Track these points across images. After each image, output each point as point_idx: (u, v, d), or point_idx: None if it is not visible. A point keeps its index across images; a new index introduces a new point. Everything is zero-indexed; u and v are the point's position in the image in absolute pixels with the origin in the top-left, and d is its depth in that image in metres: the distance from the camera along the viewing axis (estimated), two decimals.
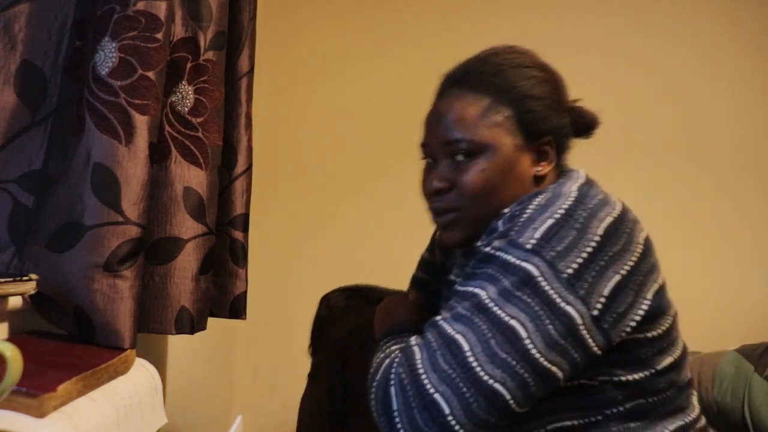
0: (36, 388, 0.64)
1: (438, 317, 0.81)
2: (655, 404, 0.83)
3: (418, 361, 0.77)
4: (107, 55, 0.85)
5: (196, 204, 0.99)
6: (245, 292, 1.17)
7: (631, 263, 0.80)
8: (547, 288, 0.76)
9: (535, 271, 0.76)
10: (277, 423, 1.99)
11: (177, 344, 1.40)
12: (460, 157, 0.89)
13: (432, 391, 0.75)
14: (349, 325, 1.17)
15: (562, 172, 0.93)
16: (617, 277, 0.79)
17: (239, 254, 1.15)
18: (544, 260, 0.77)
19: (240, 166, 1.14)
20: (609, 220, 0.81)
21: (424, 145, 0.94)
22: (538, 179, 0.91)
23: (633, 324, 0.80)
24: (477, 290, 0.79)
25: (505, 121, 0.88)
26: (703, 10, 1.90)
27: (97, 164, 0.83)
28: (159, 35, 0.87)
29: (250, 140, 1.16)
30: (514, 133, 0.88)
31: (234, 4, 1.10)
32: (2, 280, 0.78)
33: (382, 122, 2.00)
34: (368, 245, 1.97)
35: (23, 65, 0.87)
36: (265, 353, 2.05)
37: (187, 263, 0.98)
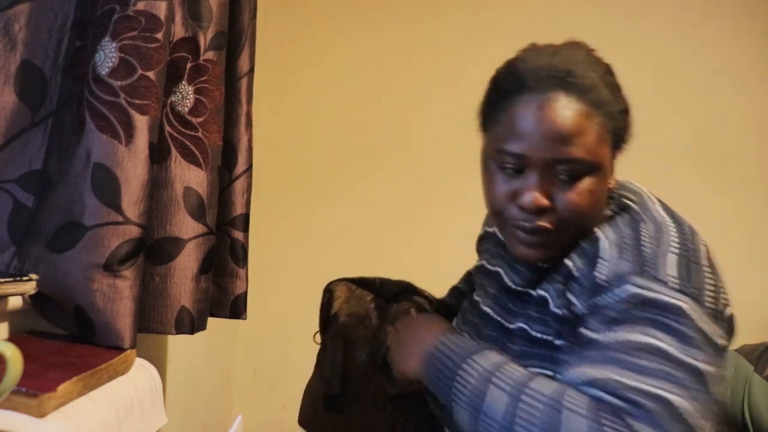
0: (36, 388, 0.64)
1: (625, 379, 0.73)
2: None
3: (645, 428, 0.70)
4: (107, 55, 0.85)
5: (196, 204, 0.99)
6: (245, 292, 1.17)
7: (724, 291, 0.82)
8: (703, 325, 0.76)
9: (689, 310, 0.75)
10: (277, 423, 1.99)
11: (177, 344, 1.40)
12: (564, 176, 0.81)
13: None
14: (350, 310, 1.17)
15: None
16: (728, 309, 0.81)
17: (239, 254, 1.15)
18: (691, 297, 0.76)
19: (240, 166, 1.14)
20: (704, 249, 0.82)
21: (519, 156, 0.82)
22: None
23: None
24: (653, 341, 0.74)
25: (608, 137, 0.83)
26: (715, 11, 1.90)
27: (97, 164, 0.83)
28: (159, 35, 0.87)
29: (250, 140, 1.16)
30: (610, 148, 0.84)
31: (234, 4, 1.10)
32: (2, 280, 0.78)
33: (382, 123, 2.00)
34: (368, 245, 1.97)
35: (23, 65, 0.87)
36: (265, 353, 2.05)
37: (187, 263, 0.98)
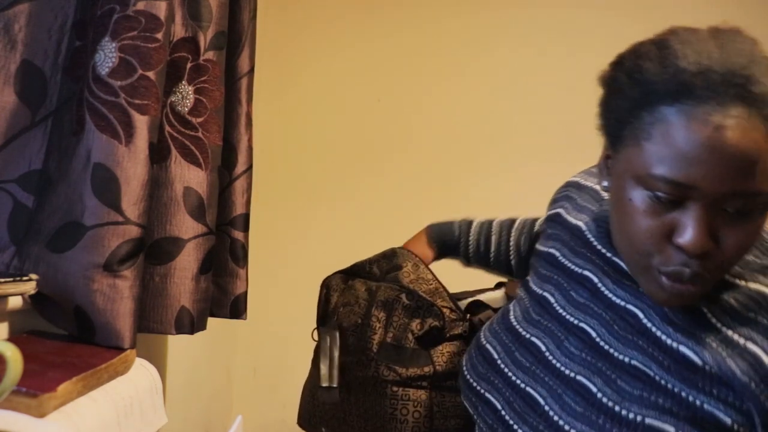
0: (36, 388, 0.64)
1: None
2: None
3: None
4: (107, 55, 0.85)
5: (196, 204, 0.99)
6: (245, 292, 1.17)
7: None
8: None
9: None
10: (277, 423, 1.98)
11: (177, 344, 1.40)
12: (732, 210, 0.64)
13: None
14: (344, 301, 1.18)
15: None
16: None
17: (239, 254, 1.15)
18: None
19: (240, 166, 1.14)
20: None
21: (682, 186, 0.64)
22: None
23: None
24: None
25: None
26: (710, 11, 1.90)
27: (97, 164, 0.83)
28: (159, 35, 0.87)
29: (250, 140, 1.16)
30: None
31: (234, 4, 1.10)
32: (2, 280, 0.78)
33: (383, 122, 2.00)
34: (369, 245, 1.97)
35: (23, 65, 0.87)
36: (265, 353, 2.05)
37: (187, 263, 0.98)
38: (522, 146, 1.92)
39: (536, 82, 1.93)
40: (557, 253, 0.88)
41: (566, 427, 0.74)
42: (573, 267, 0.84)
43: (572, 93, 1.99)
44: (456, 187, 1.92)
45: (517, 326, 0.87)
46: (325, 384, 1.10)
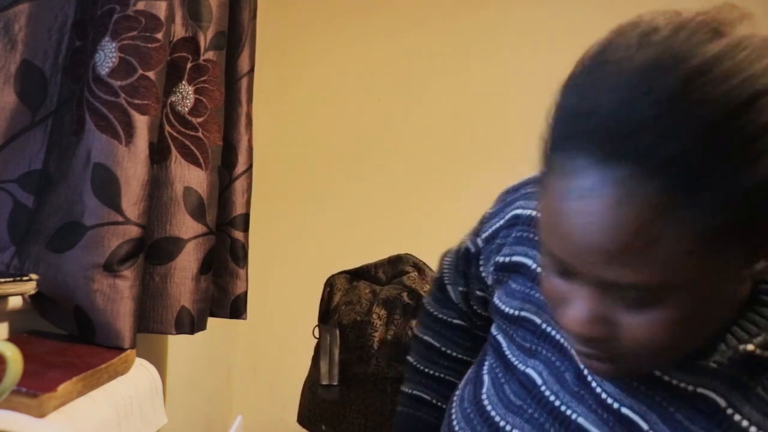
0: (36, 388, 0.64)
1: None
2: None
3: None
4: (107, 55, 0.85)
5: (196, 204, 0.99)
6: (245, 292, 1.17)
7: None
8: None
9: None
10: (277, 423, 1.99)
11: (177, 344, 1.40)
12: (624, 300, 0.50)
13: None
14: (347, 300, 1.19)
15: None
16: None
17: (239, 254, 1.15)
18: None
19: (240, 166, 1.14)
20: None
21: (561, 261, 0.50)
22: None
23: None
24: None
25: (710, 240, 0.48)
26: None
27: (97, 164, 0.83)
28: (159, 35, 0.87)
29: (250, 140, 1.16)
30: (723, 253, 0.49)
31: (234, 4, 1.10)
32: (2, 280, 0.78)
33: (383, 122, 2.00)
34: (368, 245, 1.97)
35: (23, 65, 0.87)
36: (265, 353, 2.05)
37: (187, 263, 0.98)
38: (522, 146, 1.92)
39: (537, 82, 1.93)
40: (538, 319, 0.67)
41: None
42: (562, 340, 0.64)
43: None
44: (456, 187, 1.92)
45: (494, 414, 0.67)
46: (325, 382, 1.11)
